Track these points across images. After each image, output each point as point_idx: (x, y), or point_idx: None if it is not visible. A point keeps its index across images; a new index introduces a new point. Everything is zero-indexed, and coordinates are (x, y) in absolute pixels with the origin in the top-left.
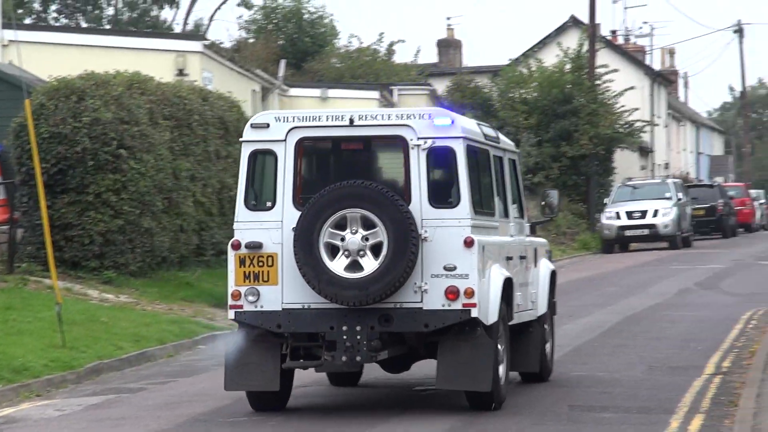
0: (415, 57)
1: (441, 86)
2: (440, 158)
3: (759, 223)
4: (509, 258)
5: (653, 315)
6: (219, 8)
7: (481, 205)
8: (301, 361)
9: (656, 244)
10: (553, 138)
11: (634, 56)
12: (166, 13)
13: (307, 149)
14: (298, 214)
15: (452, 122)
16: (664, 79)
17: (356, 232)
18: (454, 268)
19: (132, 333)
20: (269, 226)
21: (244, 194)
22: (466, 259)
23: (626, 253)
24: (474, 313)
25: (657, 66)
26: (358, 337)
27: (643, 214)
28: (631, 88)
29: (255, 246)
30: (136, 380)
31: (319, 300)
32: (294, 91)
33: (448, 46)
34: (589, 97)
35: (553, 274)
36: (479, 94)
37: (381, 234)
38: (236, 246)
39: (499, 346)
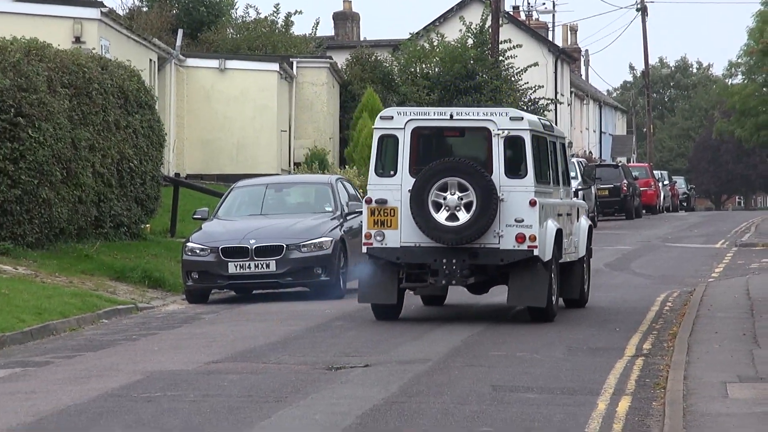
0: (314, 29)
1: (340, 59)
2: (513, 143)
3: (663, 205)
4: (560, 215)
5: None
6: None
7: (541, 177)
8: (413, 283)
9: None
10: None
11: (537, 32)
12: None
13: (419, 135)
14: (412, 180)
15: (522, 118)
16: (568, 57)
17: (454, 193)
18: (522, 221)
19: (33, 306)
20: (392, 188)
21: (375, 165)
22: (530, 215)
23: None
24: (535, 252)
25: (559, 43)
26: (454, 267)
27: None
28: (535, 64)
29: (382, 201)
30: (41, 354)
31: (427, 240)
32: (191, 62)
33: (345, 18)
34: (492, 73)
35: (590, 228)
36: (380, 68)
37: (472, 195)
38: (369, 201)
39: (552, 276)
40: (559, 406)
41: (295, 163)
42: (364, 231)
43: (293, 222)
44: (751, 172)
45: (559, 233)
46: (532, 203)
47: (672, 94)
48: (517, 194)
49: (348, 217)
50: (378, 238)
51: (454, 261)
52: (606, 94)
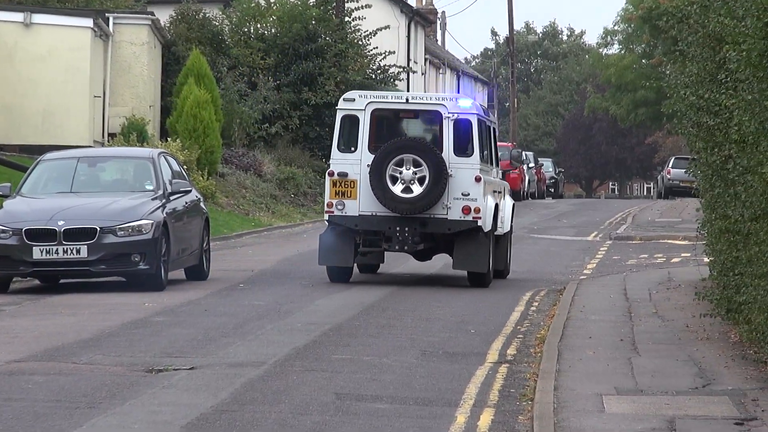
0: None
1: (163, 16)
2: (462, 126)
3: (527, 191)
4: (495, 192)
5: (419, 292)
6: None
7: (483, 157)
8: (369, 248)
9: None
10: (293, 82)
11: None
12: None
13: (378, 116)
14: (371, 156)
15: (471, 104)
16: (423, 19)
17: (409, 168)
18: (468, 195)
19: None
20: (352, 163)
21: (337, 142)
22: (475, 190)
23: None
24: (479, 223)
25: (413, 3)
26: (407, 234)
27: None
28: (386, 27)
29: (343, 174)
30: None
31: (383, 210)
32: None
33: None
34: (336, 36)
35: (513, 206)
36: (208, 27)
37: (425, 171)
38: (331, 174)
39: (491, 246)
40: (413, 419)
41: (110, 134)
42: (326, 200)
43: (108, 202)
44: (627, 155)
45: (496, 208)
46: (477, 179)
47: (539, 64)
48: (464, 171)
49: (171, 198)
50: (339, 207)
51: (406, 229)
52: (465, 62)
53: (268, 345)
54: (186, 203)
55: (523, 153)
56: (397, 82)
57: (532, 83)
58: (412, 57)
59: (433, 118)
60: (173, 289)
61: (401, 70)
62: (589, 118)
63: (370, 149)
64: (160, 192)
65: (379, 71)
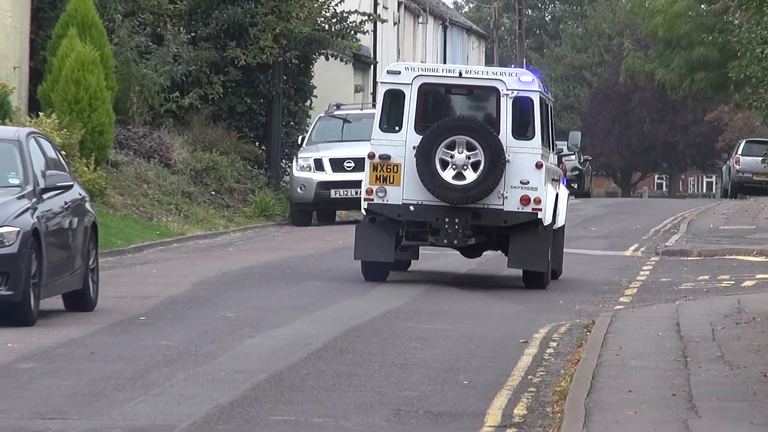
0: None
1: None
2: (522, 105)
3: None
4: (554, 180)
5: (390, 327)
6: None
7: (544, 140)
8: (413, 241)
9: None
10: (215, 34)
11: None
12: None
13: (427, 91)
14: (418, 137)
15: (533, 80)
16: None
17: (462, 152)
18: (528, 183)
19: None
20: (396, 144)
21: (379, 120)
22: (536, 177)
23: (331, 225)
24: (539, 215)
25: None
26: (456, 226)
27: (359, 163)
28: None
29: (385, 157)
30: None
31: (430, 198)
32: None
33: None
34: None
35: (568, 196)
36: None
37: (480, 155)
38: (371, 156)
39: (550, 241)
40: None
41: None
42: (365, 186)
43: None
44: (679, 137)
45: (555, 198)
46: (539, 166)
47: (557, 10)
48: (524, 156)
49: (45, 196)
50: (379, 194)
51: (456, 220)
52: (454, 8)
53: (179, 402)
54: (65, 204)
55: None
56: (359, 35)
57: (547, 37)
58: (380, 1)
59: (489, 95)
60: (47, 324)
61: (366, 18)
62: (626, 86)
63: (417, 129)
64: (29, 188)
65: (334, 20)
